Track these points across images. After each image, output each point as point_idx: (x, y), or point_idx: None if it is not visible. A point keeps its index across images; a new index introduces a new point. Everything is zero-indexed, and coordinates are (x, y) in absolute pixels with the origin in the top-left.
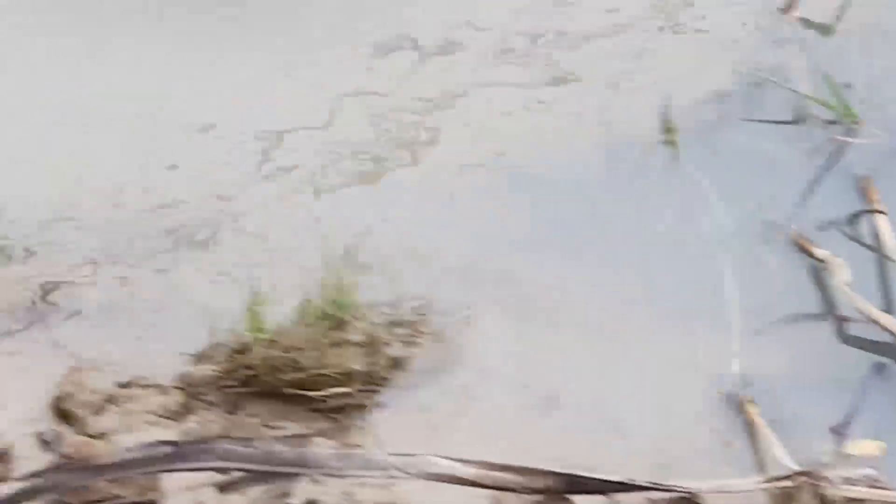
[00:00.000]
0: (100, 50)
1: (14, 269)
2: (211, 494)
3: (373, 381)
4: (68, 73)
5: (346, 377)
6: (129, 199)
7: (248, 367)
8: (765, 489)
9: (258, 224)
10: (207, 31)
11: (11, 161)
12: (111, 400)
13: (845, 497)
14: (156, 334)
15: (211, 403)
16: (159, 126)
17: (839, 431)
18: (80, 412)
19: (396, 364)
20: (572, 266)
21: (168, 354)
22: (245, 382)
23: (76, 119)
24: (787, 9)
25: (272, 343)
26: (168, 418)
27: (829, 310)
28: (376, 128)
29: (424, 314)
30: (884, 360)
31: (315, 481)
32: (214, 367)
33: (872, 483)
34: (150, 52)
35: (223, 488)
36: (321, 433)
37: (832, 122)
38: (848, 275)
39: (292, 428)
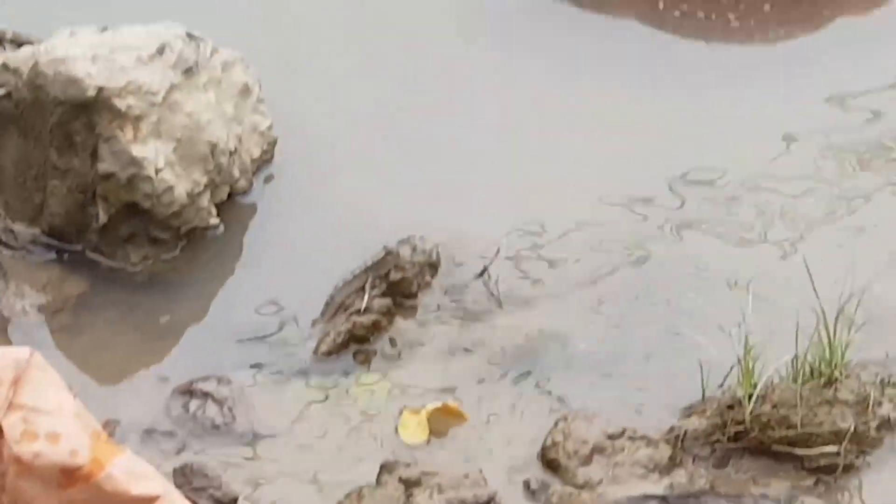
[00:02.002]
0: None
1: (512, 316)
2: None
3: (863, 442)
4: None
5: (836, 436)
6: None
7: (739, 423)
8: None
9: (752, 278)
10: None
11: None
12: (599, 450)
13: None
14: (645, 385)
15: (699, 458)
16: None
17: None
18: (567, 462)
19: (887, 425)
20: None
21: (657, 406)
22: (734, 438)
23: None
24: None
25: (763, 399)
26: (656, 471)
27: None
28: None
29: None
30: None
31: None
32: (705, 421)
33: None
34: None
35: None
36: (809, 492)
37: None
38: None
39: (780, 486)
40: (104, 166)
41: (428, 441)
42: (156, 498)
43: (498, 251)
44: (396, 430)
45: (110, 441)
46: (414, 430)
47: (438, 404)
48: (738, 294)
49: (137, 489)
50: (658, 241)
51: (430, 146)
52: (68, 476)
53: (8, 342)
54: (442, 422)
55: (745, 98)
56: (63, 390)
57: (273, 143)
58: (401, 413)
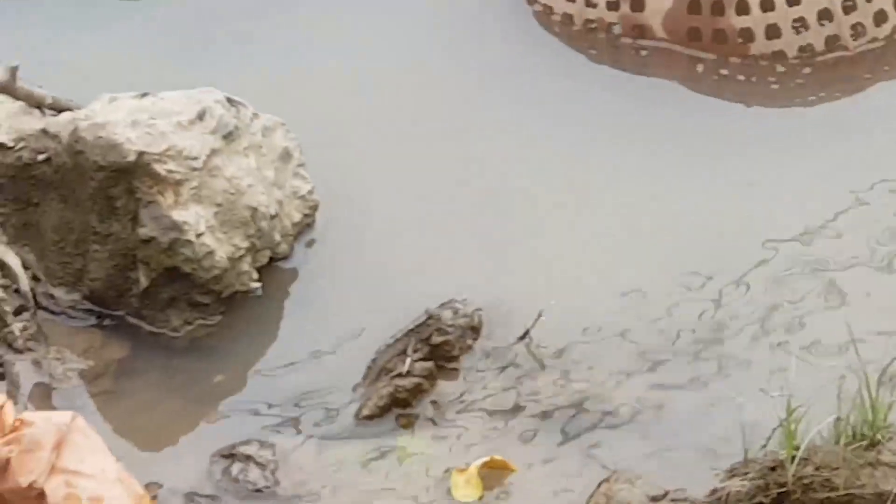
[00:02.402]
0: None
1: (554, 378)
2: None
3: None
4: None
5: (879, 498)
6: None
7: (781, 485)
8: None
9: (795, 339)
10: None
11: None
12: None
13: None
14: (687, 447)
15: None
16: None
17: None
18: None
19: None
20: None
21: (700, 468)
22: (777, 500)
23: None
24: None
25: (805, 461)
26: None
27: None
28: None
29: None
30: None
31: None
32: (747, 483)
33: None
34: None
35: None
36: None
37: None
38: None
39: None
40: (145, 231)
41: (481, 498)
42: None
43: (540, 314)
44: (449, 491)
45: None
46: (465, 488)
47: (486, 458)
48: (781, 356)
49: None
50: (699, 304)
51: (473, 210)
52: None
53: (50, 407)
54: (491, 476)
55: (786, 162)
56: (105, 454)
57: (314, 208)
58: (446, 473)
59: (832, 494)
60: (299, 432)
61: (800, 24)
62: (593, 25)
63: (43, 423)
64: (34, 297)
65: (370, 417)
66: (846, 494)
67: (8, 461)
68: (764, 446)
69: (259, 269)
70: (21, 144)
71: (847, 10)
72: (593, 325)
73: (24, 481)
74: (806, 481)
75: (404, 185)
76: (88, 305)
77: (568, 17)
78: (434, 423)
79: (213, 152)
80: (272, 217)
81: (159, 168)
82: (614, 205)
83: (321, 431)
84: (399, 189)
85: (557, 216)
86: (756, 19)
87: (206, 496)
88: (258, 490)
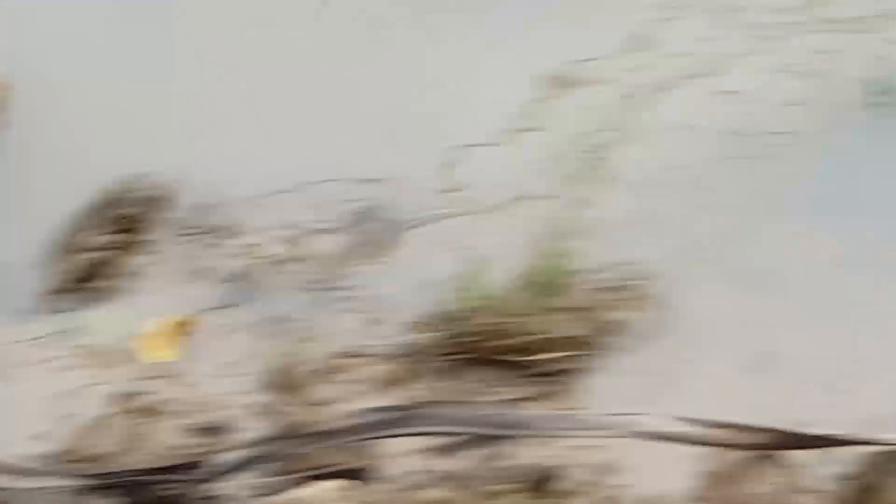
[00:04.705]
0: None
1: (230, 244)
2: (429, 459)
3: (585, 346)
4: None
5: (556, 342)
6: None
7: (463, 335)
8: None
9: (482, 194)
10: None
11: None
12: (331, 369)
13: None
14: (375, 303)
15: (428, 371)
16: None
17: None
18: (299, 381)
19: (610, 328)
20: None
21: (387, 323)
22: (460, 350)
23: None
24: None
25: (484, 310)
26: (387, 386)
27: None
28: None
29: (639, 279)
30: None
31: (532, 443)
32: (432, 335)
33: None
34: None
35: (441, 452)
36: (536, 397)
37: None
38: None
39: (507, 393)
40: None
41: (172, 357)
42: None
43: (222, 186)
44: (136, 355)
45: None
46: (154, 350)
47: (168, 318)
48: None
49: None
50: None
51: (162, 88)
52: None
53: None
54: (178, 334)
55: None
56: None
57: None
58: (136, 338)
59: (509, 341)
60: None
61: None
62: None
63: None
64: None
65: (56, 292)
66: (524, 340)
67: None
68: (448, 299)
69: None
70: None
71: None
72: (276, 193)
73: None
74: (485, 330)
75: (95, 66)
76: None
77: None
78: (121, 294)
79: None
80: None
81: None
82: (318, 90)
83: (4, 309)
84: (90, 70)
85: (250, 93)
86: None
87: None
88: None
